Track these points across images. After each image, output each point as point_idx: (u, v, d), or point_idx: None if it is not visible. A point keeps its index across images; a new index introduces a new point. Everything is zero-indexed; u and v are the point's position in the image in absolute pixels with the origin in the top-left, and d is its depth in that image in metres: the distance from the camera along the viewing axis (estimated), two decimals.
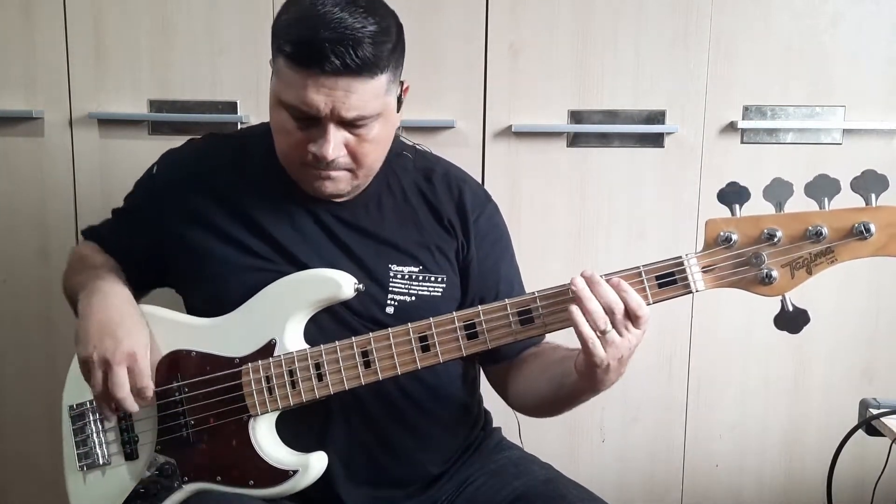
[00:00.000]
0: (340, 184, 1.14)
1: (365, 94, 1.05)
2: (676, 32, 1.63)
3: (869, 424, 1.27)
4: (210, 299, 1.19)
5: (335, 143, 1.08)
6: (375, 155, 1.14)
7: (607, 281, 1.00)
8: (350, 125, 1.08)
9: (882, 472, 1.53)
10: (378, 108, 1.08)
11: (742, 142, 1.67)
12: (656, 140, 1.67)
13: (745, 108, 1.65)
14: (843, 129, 1.65)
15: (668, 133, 1.66)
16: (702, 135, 1.66)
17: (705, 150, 1.67)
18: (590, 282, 1.00)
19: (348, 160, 1.11)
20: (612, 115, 1.66)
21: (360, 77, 1.04)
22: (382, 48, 1.04)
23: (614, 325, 0.99)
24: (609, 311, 0.99)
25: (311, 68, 1.03)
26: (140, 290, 1.27)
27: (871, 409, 1.28)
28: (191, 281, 1.23)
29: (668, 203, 1.68)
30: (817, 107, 1.65)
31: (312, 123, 1.08)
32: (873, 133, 1.65)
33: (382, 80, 1.06)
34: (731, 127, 1.65)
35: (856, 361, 1.73)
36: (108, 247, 1.31)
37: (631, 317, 1.00)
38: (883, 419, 1.25)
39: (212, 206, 1.20)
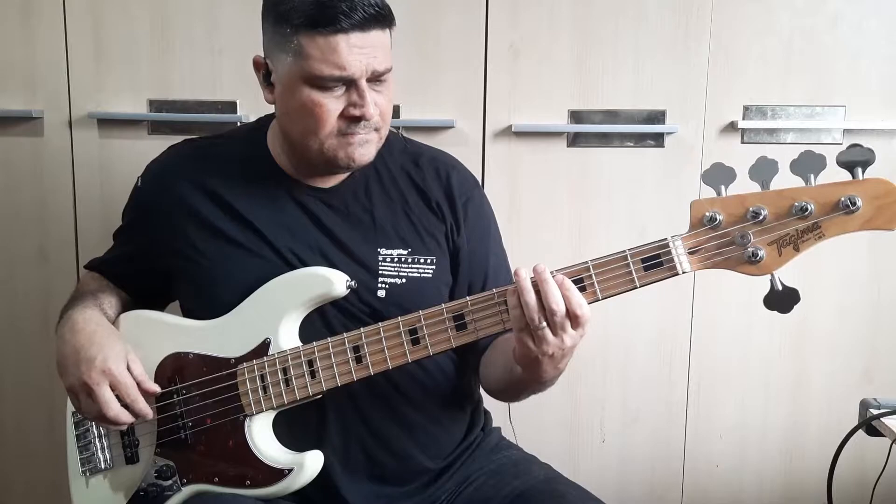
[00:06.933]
0: (372, 147, 1.15)
1: (386, 47, 1.11)
2: (677, 32, 1.63)
3: (869, 425, 1.26)
4: (203, 296, 1.20)
5: (372, 101, 1.10)
6: (391, 112, 1.17)
7: (553, 277, 1.01)
8: (375, 82, 1.11)
9: (882, 473, 1.52)
10: (391, 60, 1.12)
11: (742, 142, 1.66)
12: (657, 140, 1.67)
13: (746, 108, 1.65)
14: (844, 129, 1.65)
15: (669, 133, 1.65)
16: (702, 134, 1.66)
17: (706, 150, 1.66)
18: (535, 274, 1.01)
19: (378, 119, 1.13)
20: (612, 115, 1.66)
21: (382, 27, 1.10)
22: None
23: (550, 325, 1.00)
24: (550, 312, 0.99)
25: (339, 25, 1.05)
26: (153, 308, 1.28)
27: (871, 410, 1.27)
28: (184, 278, 1.23)
29: (669, 203, 1.67)
30: (818, 107, 1.65)
31: (346, 88, 1.10)
32: (874, 133, 1.64)
33: (390, 32, 1.12)
34: (732, 127, 1.65)
35: (856, 361, 1.72)
36: (110, 272, 1.32)
37: (570, 316, 1.00)
38: (883, 419, 1.24)
39: (201, 204, 1.21)
